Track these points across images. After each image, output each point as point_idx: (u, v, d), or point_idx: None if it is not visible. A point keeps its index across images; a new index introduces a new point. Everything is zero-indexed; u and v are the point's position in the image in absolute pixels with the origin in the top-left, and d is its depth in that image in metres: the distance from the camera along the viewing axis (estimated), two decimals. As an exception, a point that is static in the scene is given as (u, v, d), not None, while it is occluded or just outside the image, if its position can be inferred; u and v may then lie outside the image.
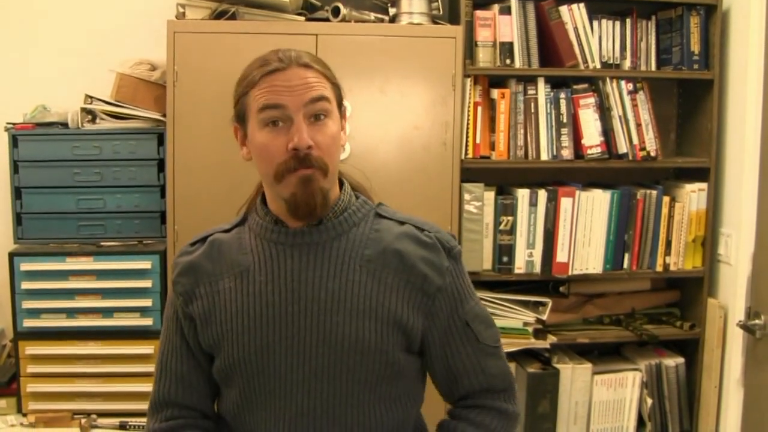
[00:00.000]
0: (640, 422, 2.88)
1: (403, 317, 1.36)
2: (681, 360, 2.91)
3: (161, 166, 2.70)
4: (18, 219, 2.73)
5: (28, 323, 2.66)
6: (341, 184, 1.45)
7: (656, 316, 2.97)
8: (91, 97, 2.73)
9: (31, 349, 2.66)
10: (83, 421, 2.64)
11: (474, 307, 1.45)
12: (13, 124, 2.71)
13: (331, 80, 1.39)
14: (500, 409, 1.45)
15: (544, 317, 2.74)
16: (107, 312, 2.67)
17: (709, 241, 2.86)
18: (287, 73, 1.33)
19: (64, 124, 2.72)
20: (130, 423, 2.65)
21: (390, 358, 1.36)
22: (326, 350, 1.34)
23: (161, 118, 2.69)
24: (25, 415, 2.68)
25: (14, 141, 2.68)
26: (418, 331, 1.39)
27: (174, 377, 1.45)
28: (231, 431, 1.45)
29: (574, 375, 2.80)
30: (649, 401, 2.84)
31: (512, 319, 2.74)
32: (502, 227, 2.75)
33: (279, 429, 1.36)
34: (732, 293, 2.77)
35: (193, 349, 1.44)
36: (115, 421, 2.66)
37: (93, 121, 2.73)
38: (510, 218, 2.75)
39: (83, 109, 2.72)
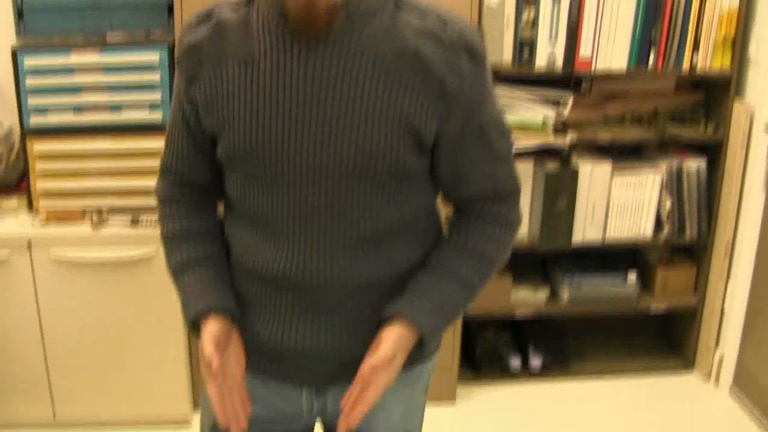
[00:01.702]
0: (658, 224, 2.85)
1: (415, 120, 1.28)
2: (703, 163, 2.85)
3: (167, -48, 2.57)
4: (19, 13, 2.62)
5: (35, 120, 2.61)
6: None
7: (680, 116, 2.88)
8: None
9: (39, 145, 2.62)
10: (94, 216, 2.62)
11: (492, 113, 1.35)
12: None
13: None
14: (506, 219, 1.41)
15: (565, 112, 2.66)
16: (115, 107, 2.61)
17: (739, 41, 2.74)
18: None
19: None
20: (142, 218, 2.63)
21: (399, 159, 1.29)
22: (331, 150, 1.27)
23: None
24: (36, 213, 2.67)
25: (11, -75, 2.55)
26: (431, 134, 1.31)
27: (175, 150, 1.46)
28: (234, 208, 1.43)
29: (593, 174, 2.75)
30: (668, 203, 2.80)
31: (532, 112, 2.66)
32: (523, 20, 2.63)
33: (282, 216, 1.33)
34: (760, 96, 2.68)
35: (193, 130, 1.39)
36: (127, 217, 2.64)
37: None
38: (532, 10, 2.63)
39: None
